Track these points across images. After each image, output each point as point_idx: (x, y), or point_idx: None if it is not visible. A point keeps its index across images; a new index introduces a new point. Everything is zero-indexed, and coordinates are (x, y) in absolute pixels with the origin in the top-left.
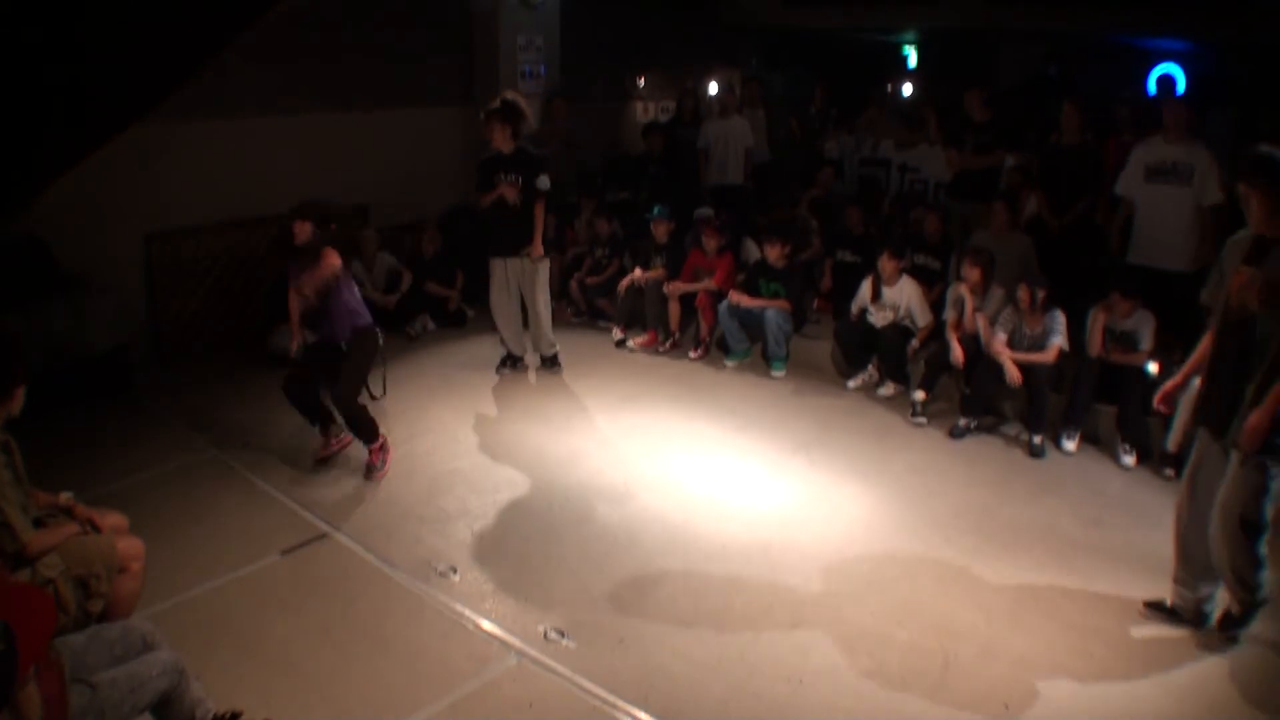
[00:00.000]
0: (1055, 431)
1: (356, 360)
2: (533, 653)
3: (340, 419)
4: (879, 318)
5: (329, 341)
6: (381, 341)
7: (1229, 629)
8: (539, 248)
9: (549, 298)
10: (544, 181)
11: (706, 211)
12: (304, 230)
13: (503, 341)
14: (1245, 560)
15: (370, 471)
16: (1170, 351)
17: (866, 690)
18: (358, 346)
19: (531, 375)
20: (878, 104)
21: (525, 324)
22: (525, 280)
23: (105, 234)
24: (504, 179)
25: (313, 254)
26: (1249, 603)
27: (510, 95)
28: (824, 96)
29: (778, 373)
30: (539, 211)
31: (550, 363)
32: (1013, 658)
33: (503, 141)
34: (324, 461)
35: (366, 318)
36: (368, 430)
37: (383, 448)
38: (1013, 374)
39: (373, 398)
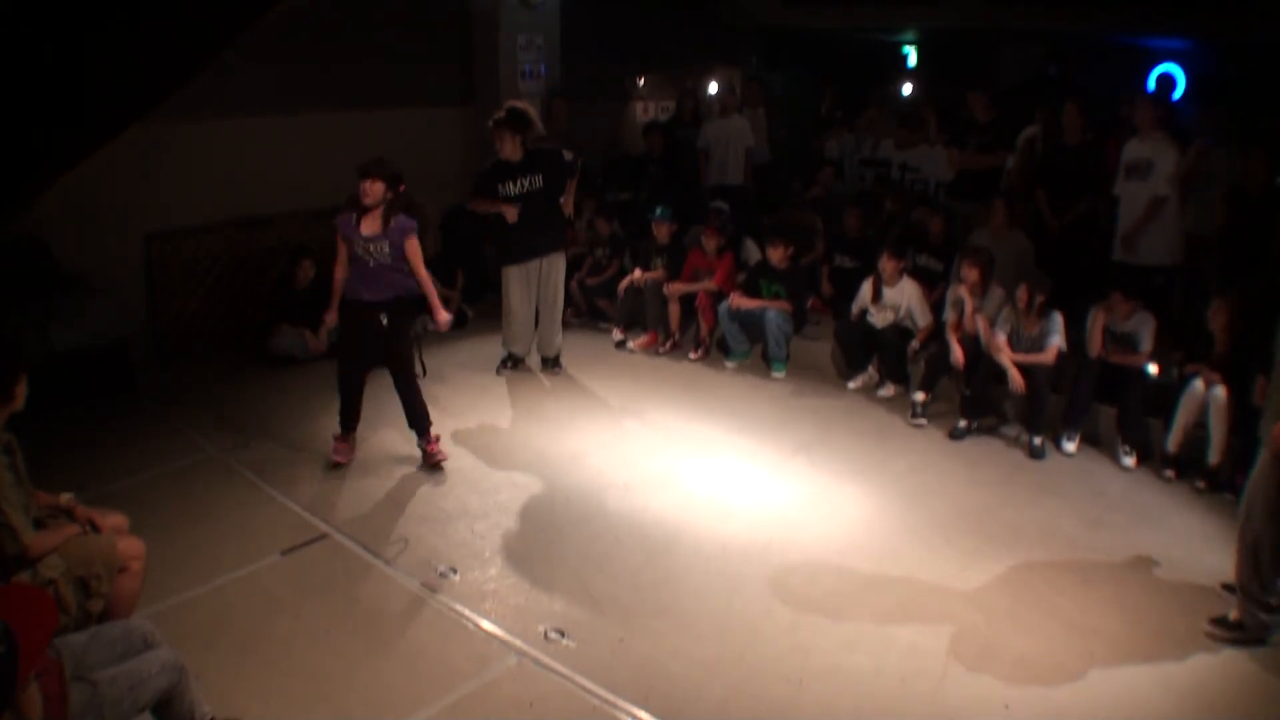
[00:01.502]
0: (1055, 432)
1: (405, 341)
2: (533, 653)
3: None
4: (879, 318)
5: (370, 307)
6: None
7: (1219, 629)
8: (569, 206)
9: (563, 299)
10: (568, 155)
11: (722, 205)
12: (375, 190)
13: (506, 342)
14: (1272, 555)
15: (433, 459)
16: (1170, 352)
17: (866, 690)
18: (401, 324)
19: (532, 375)
20: (878, 104)
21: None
22: (545, 281)
23: (105, 234)
24: (512, 187)
25: (397, 209)
26: (1256, 618)
27: (519, 104)
28: (833, 98)
29: (778, 374)
30: (571, 188)
31: (553, 363)
32: (1013, 658)
33: (512, 151)
34: (337, 466)
35: (414, 289)
36: (425, 420)
37: (436, 438)
38: (1016, 381)
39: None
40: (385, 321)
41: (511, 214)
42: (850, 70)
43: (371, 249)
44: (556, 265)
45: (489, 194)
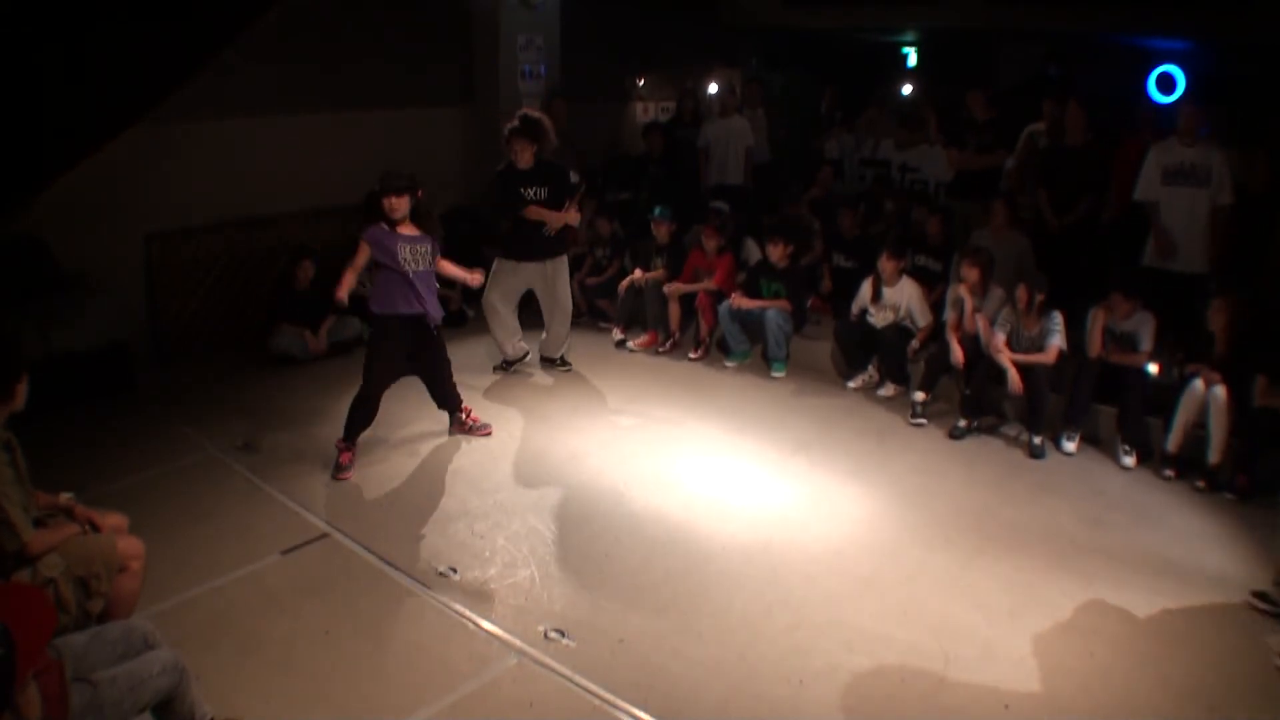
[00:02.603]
0: (1055, 432)
1: (442, 341)
2: (533, 653)
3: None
4: (879, 318)
5: (414, 319)
6: None
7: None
8: (560, 219)
9: (570, 302)
10: (573, 176)
11: (722, 205)
12: (402, 204)
13: (497, 345)
14: None
15: (479, 429)
16: (1171, 352)
17: (866, 690)
18: (439, 330)
19: (532, 375)
20: (878, 104)
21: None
22: (548, 282)
23: (105, 234)
24: (529, 194)
25: (424, 222)
26: None
27: (535, 113)
28: (833, 99)
29: (778, 373)
30: (571, 205)
31: (559, 363)
32: (1013, 658)
33: (526, 160)
34: (343, 478)
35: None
36: (459, 401)
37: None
38: (1015, 383)
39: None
40: (433, 327)
41: (571, 217)
42: (850, 70)
43: (412, 254)
44: (559, 269)
45: (515, 196)
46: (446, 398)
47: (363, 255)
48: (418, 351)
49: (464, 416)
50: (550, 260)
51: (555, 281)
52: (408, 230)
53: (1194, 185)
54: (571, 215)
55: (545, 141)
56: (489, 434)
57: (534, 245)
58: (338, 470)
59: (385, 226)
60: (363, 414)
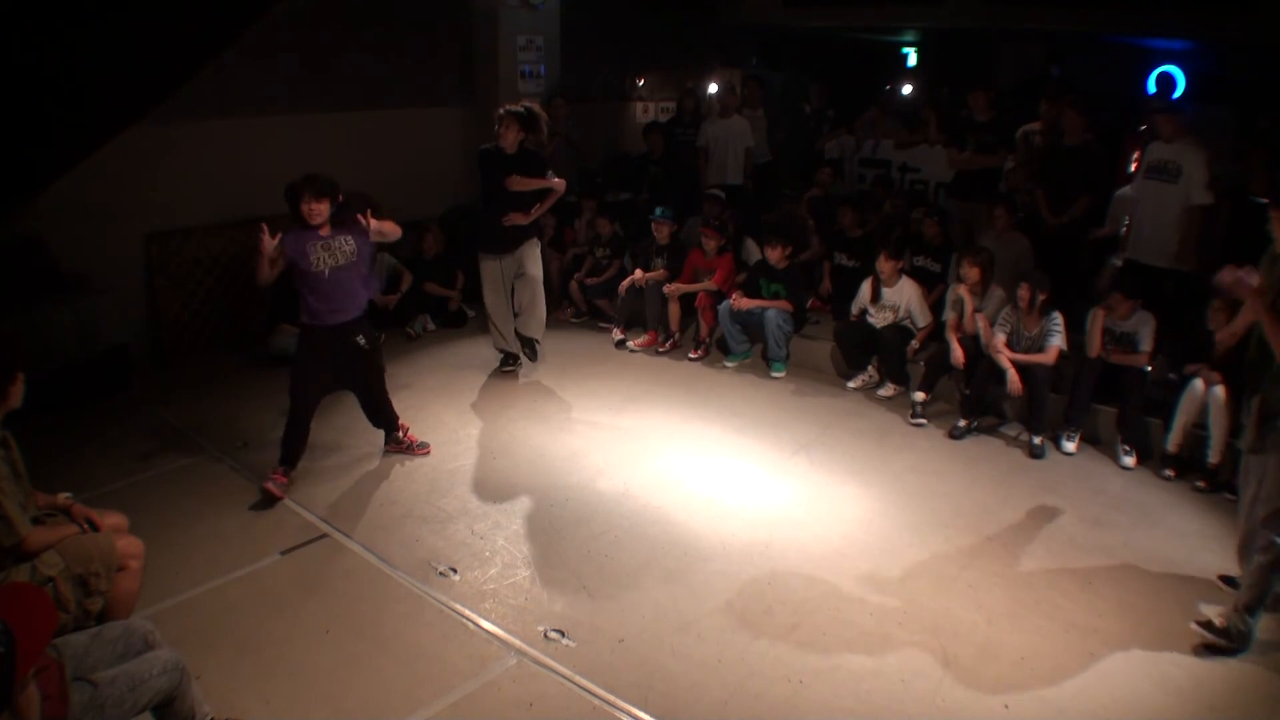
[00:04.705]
0: (1055, 432)
1: (380, 352)
2: (533, 653)
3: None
4: (879, 318)
5: (341, 330)
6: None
7: (1204, 627)
8: (532, 184)
9: (541, 286)
10: (554, 180)
11: (717, 192)
12: (323, 209)
13: (495, 342)
14: (1261, 571)
15: (416, 446)
16: (1168, 352)
17: (866, 690)
18: (374, 338)
19: (532, 374)
20: (878, 104)
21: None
22: (521, 266)
23: (105, 234)
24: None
25: (344, 223)
26: (1238, 629)
27: (536, 107)
28: (821, 95)
29: (778, 373)
30: (548, 201)
31: (529, 345)
32: (1013, 658)
33: (510, 145)
34: (274, 501)
35: (366, 300)
36: (395, 415)
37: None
38: (1015, 384)
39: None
40: (363, 342)
41: (560, 185)
42: (850, 70)
43: (326, 251)
44: (530, 252)
45: (496, 178)
46: (380, 414)
47: (267, 243)
48: (346, 363)
49: (401, 435)
50: (520, 249)
51: (527, 264)
52: (324, 232)
53: (1164, 181)
54: (555, 182)
55: (537, 133)
56: (428, 453)
57: (506, 236)
58: (275, 489)
59: (300, 228)
60: (298, 429)
